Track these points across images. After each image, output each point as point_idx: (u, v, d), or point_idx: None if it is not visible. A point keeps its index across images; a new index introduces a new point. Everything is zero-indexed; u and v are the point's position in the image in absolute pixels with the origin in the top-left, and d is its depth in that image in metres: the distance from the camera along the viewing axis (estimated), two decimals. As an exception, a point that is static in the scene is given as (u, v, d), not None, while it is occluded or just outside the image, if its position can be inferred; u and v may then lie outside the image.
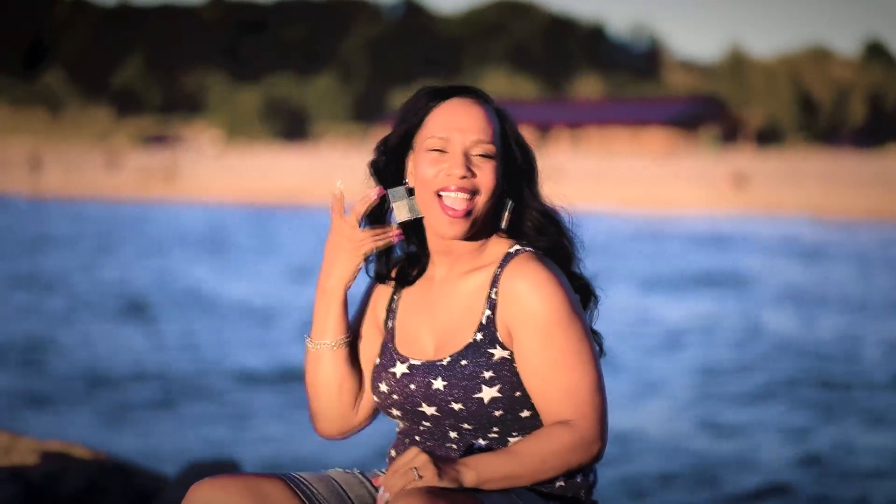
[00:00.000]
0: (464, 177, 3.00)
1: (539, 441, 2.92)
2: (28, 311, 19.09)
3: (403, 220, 3.08)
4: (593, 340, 3.01)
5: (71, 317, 18.50)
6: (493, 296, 3.01)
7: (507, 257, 3.03)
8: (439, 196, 3.02)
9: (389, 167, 3.10)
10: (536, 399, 2.97)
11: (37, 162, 66.47)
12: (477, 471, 2.87)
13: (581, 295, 3.08)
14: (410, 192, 3.09)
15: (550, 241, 3.07)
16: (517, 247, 3.05)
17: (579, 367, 2.94)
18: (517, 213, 3.08)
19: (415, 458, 2.82)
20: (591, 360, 2.96)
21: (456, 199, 3.01)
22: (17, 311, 18.95)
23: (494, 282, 3.02)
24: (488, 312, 3.01)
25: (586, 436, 2.93)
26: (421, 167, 3.05)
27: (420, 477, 2.80)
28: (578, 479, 3.03)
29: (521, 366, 2.96)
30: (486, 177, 3.02)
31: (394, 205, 3.08)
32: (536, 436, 2.93)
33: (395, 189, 3.08)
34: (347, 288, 3.12)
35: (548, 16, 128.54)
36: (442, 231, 3.02)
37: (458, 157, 3.01)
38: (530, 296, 2.95)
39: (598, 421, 2.94)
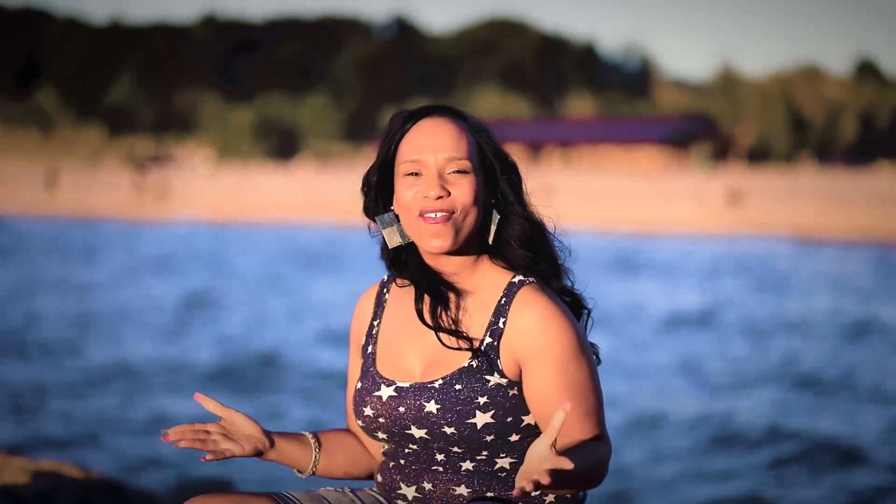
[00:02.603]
0: (439, 196, 2.99)
1: (590, 451, 2.94)
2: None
3: (395, 245, 3.08)
4: (592, 354, 3.05)
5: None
6: (500, 325, 3.00)
7: (512, 287, 3.03)
8: (422, 217, 3.01)
9: (379, 197, 3.10)
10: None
11: (53, 179, 66.01)
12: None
13: (573, 309, 3.10)
14: (398, 217, 3.08)
15: (535, 253, 3.07)
16: (519, 277, 3.05)
17: (594, 391, 3.00)
18: (503, 224, 3.07)
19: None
20: (598, 384, 3.03)
21: (436, 219, 3.00)
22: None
23: (499, 312, 3.02)
24: (489, 340, 3.01)
25: (610, 450, 3.01)
26: (399, 192, 3.05)
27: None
28: (568, 495, 3.05)
29: (537, 395, 2.97)
30: (462, 192, 3.01)
31: (384, 231, 3.08)
32: (585, 446, 2.95)
33: (382, 216, 3.09)
34: (267, 446, 3.11)
35: (540, 35, 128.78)
36: (428, 245, 3.01)
37: (432, 178, 3.01)
38: (544, 332, 2.96)
39: (607, 436, 3.04)
